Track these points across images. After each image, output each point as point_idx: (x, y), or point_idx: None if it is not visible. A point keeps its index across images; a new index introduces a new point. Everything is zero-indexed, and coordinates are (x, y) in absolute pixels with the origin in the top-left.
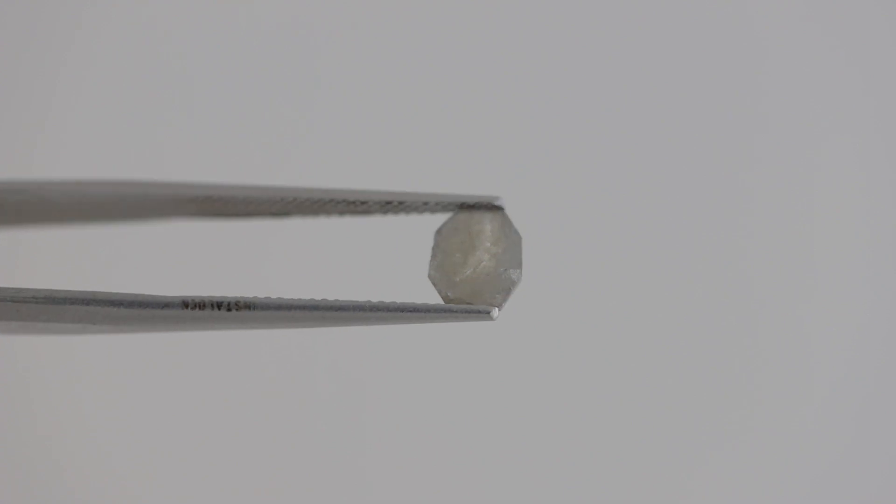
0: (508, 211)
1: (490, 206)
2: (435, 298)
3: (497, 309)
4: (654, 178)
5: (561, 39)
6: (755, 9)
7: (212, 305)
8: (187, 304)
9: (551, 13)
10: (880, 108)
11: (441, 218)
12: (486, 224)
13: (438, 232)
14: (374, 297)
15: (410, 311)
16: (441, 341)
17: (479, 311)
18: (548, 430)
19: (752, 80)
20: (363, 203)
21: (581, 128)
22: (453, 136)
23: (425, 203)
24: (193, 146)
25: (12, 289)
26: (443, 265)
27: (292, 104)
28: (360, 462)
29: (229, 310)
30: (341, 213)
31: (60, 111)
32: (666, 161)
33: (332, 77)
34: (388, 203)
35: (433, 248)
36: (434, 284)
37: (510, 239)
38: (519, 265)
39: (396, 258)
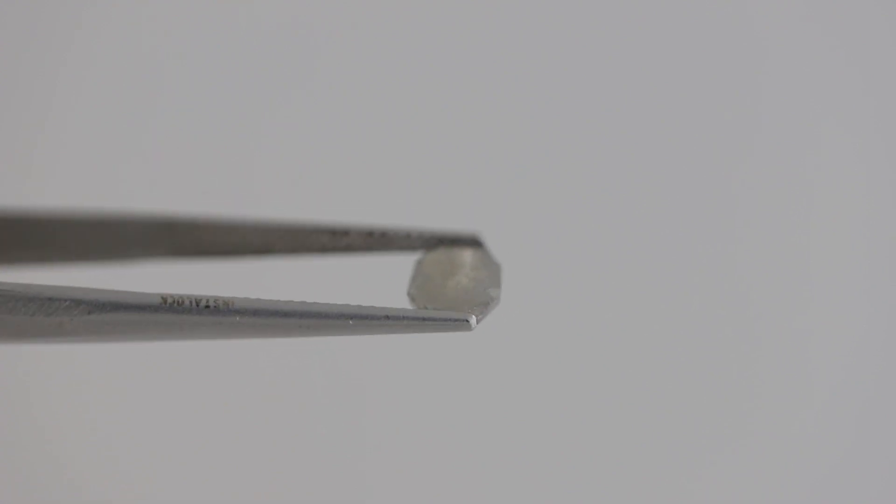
0: (496, 229)
1: (470, 242)
2: None
3: (475, 317)
4: (652, 177)
5: (551, 43)
6: (755, 9)
7: (191, 303)
8: (166, 300)
9: (540, 21)
10: (881, 109)
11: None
12: (467, 255)
13: (419, 261)
14: None
15: (388, 319)
16: (437, 350)
17: (457, 320)
18: (546, 435)
19: (752, 81)
20: (345, 234)
21: (576, 129)
22: (434, 159)
23: (407, 236)
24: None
25: None
26: (423, 285)
27: (267, 132)
28: (357, 464)
29: (207, 306)
30: (323, 248)
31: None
32: (664, 162)
33: (311, 112)
34: (370, 234)
35: (413, 272)
36: (412, 300)
37: (490, 268)
38: (498, 286)
39: (375, 293)
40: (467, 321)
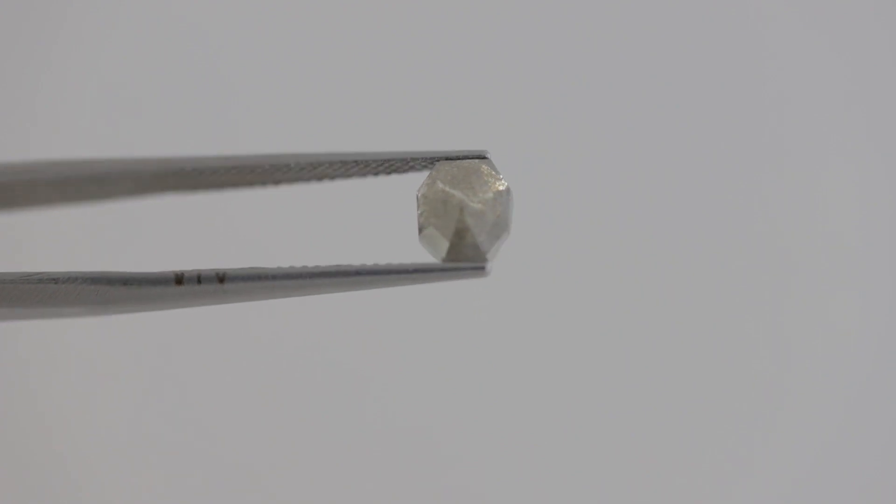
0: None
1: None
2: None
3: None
4: (657, 177)
5: (557, 35)
6: (756, 10)
7: (199, 279)
8: (180, 280)
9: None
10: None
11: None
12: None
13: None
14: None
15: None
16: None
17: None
18: (546, 415)
19: (752, 80)
20: (354, 164)
21: (579, 125)
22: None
23: (412, 159)
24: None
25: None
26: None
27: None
28: (360, 460)
29: (221, 282)
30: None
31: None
32: (667, 161)
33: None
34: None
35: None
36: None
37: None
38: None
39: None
40: (483, 268)
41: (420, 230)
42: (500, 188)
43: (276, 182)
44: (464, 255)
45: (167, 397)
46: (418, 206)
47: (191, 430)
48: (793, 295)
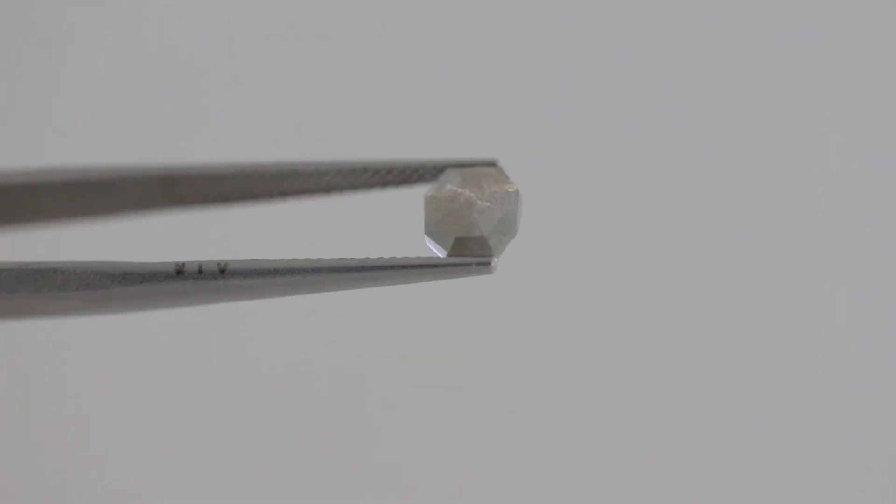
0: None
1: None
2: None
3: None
4: (660, 181)
5: (558, 34)
6: (755, 8)
7: (205, 268)
8: (181, 271)
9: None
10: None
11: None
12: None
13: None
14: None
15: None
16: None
17: (479, 264)
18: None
19: (751, 80)
20: (363, 172)
21: (580, 125)
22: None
23: (421, 167)
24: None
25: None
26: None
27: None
28: (359, 459)
29: (223, 273)
30: (328, 188)
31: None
32: (669, 165)
33: (327, 70)
34: (389, 171)
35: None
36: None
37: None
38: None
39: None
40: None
41: (426, 226)
42: (510, 190)
43: (283, 195)
44: (469, 251)
45: (167, 397)
46: (426, 206)
47: (191, 431)
48: (793, 295)
